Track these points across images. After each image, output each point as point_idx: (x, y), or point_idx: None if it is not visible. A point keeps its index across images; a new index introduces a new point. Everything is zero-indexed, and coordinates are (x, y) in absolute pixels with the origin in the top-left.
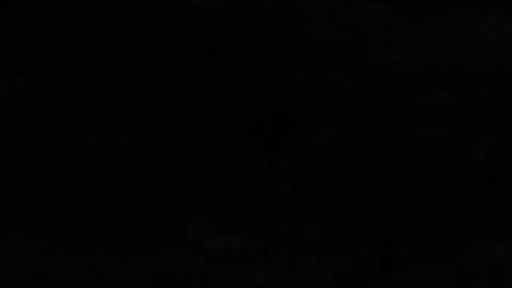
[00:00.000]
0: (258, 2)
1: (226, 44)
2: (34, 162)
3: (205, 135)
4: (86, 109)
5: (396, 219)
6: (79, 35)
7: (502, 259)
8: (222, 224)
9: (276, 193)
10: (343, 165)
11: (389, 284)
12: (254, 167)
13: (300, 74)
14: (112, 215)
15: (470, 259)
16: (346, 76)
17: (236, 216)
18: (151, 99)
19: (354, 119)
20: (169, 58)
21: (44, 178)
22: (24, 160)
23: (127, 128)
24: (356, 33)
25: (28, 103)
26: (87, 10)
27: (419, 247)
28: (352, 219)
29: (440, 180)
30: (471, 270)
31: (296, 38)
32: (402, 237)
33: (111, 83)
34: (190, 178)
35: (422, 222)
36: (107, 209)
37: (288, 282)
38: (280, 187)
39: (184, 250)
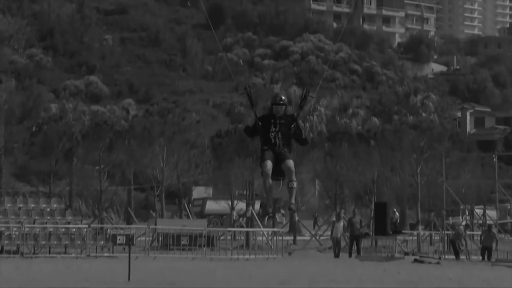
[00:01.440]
0: None
1: None
2: (46, 132)
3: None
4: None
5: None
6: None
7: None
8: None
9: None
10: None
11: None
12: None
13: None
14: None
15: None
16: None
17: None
18: (158, 70)
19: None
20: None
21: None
22: (37, 130)
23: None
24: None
25: (41, 72)
26: None
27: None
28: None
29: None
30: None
31: None
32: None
33: (117, 56)
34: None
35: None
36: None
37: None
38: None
39: None
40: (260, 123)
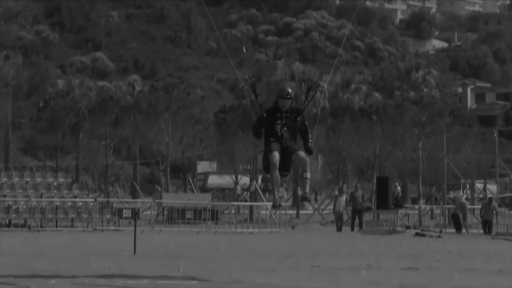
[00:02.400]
0: None
1: None
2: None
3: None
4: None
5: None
6: None
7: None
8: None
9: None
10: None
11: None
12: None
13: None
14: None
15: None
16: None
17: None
18: (163, 46)
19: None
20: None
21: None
22: (44, 105)
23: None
24: None
25: (48, 49)
26: None
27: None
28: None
29: None
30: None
31: None
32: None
33: (123, 33)
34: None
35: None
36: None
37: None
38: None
39: None
40: (265, 115)
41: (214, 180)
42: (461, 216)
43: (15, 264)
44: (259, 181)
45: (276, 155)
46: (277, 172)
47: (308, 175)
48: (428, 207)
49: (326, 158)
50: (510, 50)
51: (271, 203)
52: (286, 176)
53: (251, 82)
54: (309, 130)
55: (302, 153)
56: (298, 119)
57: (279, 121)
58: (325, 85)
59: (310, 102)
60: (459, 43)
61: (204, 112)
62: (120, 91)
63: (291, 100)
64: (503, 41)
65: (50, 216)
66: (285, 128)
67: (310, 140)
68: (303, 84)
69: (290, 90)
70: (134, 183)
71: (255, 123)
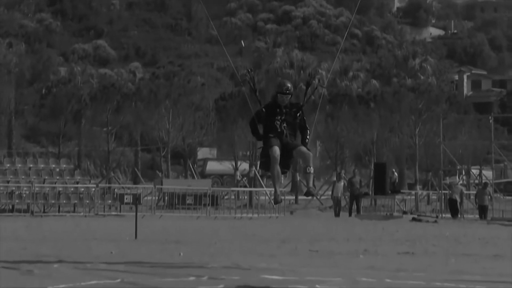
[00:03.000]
0: None
1: None
2: (56, 94)
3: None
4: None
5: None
6: None
7: None
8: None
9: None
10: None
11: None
12: None
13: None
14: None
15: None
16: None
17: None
18: (164, 34)
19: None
20: None
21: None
22: (47, 92)
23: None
24: None
25: (50, 36)
26: None
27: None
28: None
29: None
30: None
31: None
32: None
33: (125, 21)
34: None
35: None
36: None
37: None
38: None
39: None
40: (264, 110)
41: (212, 166)
42: (458, 201)
43: (18, 249)
44: (258, 167)
45: (277, 150)
46: (278, 167)
47: (312, 169)
48: (424, 192)
49: (325, 145)
50: (506, 38)
51: (271, 189)
52: (286, 173)
53: (250, 76)
54: (307, 127)
55: (304, 148)
56: (298, 114)
57: (279, 117)
58: (324, 73)
59: (309, 98)
60: (455, 31)
61: (204, 99)
62: (121, 78)
63: (290, 96)
64: (499, 29)
65: (53, 201)
66: (285, 124)
67: (307, 137)
68: (301, 71)
69: (289, 85)
70: (136, 169)
71: (252, 118)
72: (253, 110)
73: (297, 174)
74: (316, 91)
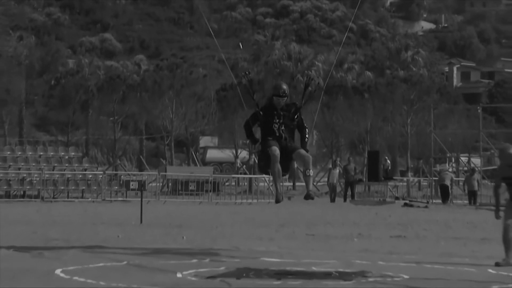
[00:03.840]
0: None
1: None
2: (64, 85)
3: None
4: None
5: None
6: None
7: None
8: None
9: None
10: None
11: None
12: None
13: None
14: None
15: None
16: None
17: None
18: (167, 27)
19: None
20: None
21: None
22: (56, 83)
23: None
24: None
25: (59, 29)
26: None
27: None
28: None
29: None
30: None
31: None
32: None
33: (130, 15)
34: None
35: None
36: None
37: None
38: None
39: None
40: (261, 113)
41: (212, 154)
42: (449, 186)
43: (29, 233)
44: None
45: (276, 149)
46: (279, 165)
47: (311, 172)
48: (416, 179)
49: (321, 133)
50: (494, 31)
51: (270, 176)
52: (285, 175)
53: (248, 79)
54: (306, 126)
55: (303, 151)
56: (295, 116)
57: (277, 120)
58: (320, 64)
59: (308, 97)
60: (446, 25)
61: (206, 89)
62: (127, 70)
63: (286, 98)
64: (487, 22)
65: (62, 187)
66: (283, 127)
67: (307, 136)
68: (299, 63)
69: (285, 88)
70: (141, 156)
71: (247, 121)
72: (246, 105)
73: (294, 162)
74: (314, 87)
